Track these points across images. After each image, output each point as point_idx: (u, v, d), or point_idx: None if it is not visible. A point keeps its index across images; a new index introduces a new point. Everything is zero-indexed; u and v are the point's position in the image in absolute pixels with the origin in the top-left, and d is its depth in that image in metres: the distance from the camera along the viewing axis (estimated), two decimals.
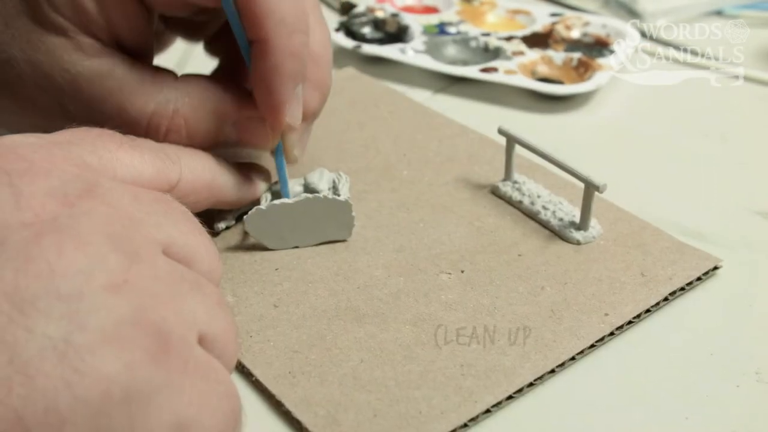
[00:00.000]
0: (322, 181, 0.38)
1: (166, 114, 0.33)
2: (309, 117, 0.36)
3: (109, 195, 0.24)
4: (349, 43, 0.54)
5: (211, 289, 0.25)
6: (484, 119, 0.47)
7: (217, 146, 0.35)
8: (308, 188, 0.37)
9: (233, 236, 0.37)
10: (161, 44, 0.40)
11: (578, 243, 0.36)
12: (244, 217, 0.35)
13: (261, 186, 0.36)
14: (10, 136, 0.25)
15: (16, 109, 0.33)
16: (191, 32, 0.40)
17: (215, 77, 0.35)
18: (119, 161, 0.27)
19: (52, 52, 0.31)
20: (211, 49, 0.40)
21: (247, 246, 0.36)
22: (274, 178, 0.38)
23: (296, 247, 0.36)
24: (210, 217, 0.37)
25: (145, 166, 0.28)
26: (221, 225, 0.37)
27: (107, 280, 0.21)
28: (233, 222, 0.37)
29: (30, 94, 0.32)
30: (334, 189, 0.38)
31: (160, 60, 0.37)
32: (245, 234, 0.37)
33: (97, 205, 0.23)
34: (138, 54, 0.33)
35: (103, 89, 0.32)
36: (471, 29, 0.56)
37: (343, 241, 0.36)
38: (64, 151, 0.25)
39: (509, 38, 0.55)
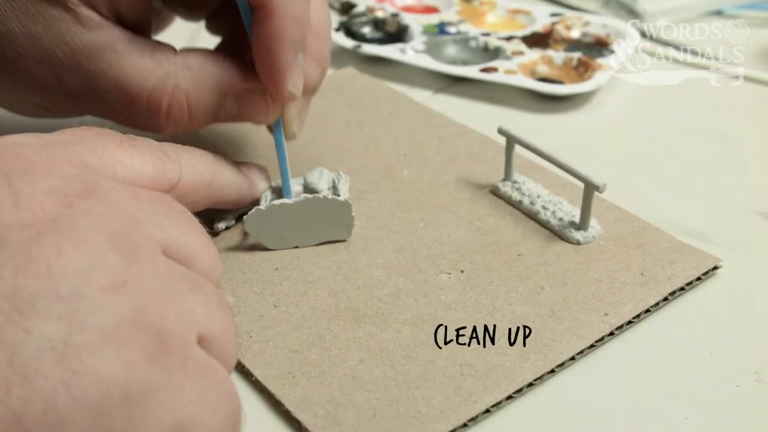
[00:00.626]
0: (321, 180, 0.38)
1: (167, 89, 0.33)
2: (309, 91, 0.37)
3: (109, 195, 0.24)
4: (349, 42, 0.54)
5: (211, 288, 0.25)
6: (484, 119, 0.47)
7: (217, 121, 0.35)
8: (308, 188, 0.37)
9: (233, 236, 0.37)
10: (159, 23, 0.40)
11: (578, 243, 0.36)
12: (244, 217, 0.35)
13: (260, 186, 0.36)
14: (9, 136, 0.25)
15: (14, 86, 0.33)
16: (191, 10, 0.40)
17: (215, 51, 0.35)
18: (119, 161, 0.27)
19: (52, 25, 0.31)
20: (213, 26, 0.40)
21: (246, 246, 0.36)
22: (275, 176, 0.38)
23: (296, 247, 0.36)
24: (210, 218, 0.37)
25: (145, 165, 0.28)
26: (221, 225, 0.37)
27: (106, 280, 0.21)
28: (233, 222, 0.37)
29: (28, 68, 0.32)
30: (334, 189, 0.38)
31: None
32: (245, 234, 0.37)
33: (97, 205, 0.23)
34: (137, 29, 0.33)
35: (102, 63, 0.32)
36: (471, 29, 0.56)
37: (343, 241, 0.36)
38: (63, 150, 0.25)
39: (509, 38, 0.55)
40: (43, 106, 0.34)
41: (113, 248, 0.22)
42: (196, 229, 0.26)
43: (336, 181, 0.38)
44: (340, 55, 0.55)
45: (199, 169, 0.32)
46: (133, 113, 0.33)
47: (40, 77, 0.32)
